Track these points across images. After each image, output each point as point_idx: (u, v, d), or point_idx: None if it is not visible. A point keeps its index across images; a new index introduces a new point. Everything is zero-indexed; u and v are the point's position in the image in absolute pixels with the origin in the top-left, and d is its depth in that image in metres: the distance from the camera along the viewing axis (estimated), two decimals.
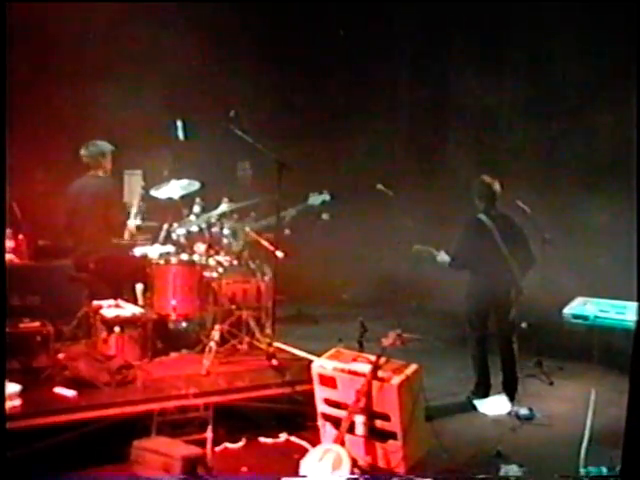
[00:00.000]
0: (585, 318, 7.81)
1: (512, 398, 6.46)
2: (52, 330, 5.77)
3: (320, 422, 5.43)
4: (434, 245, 6.67)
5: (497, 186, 6.61)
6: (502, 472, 5.02)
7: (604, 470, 4.86)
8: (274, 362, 6.14)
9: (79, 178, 6.87)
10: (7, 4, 4.51)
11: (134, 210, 6.90)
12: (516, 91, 9.18)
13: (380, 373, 5.10)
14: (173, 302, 6.59)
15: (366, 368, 5.14)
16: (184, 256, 6.78)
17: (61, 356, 5.82)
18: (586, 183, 8.79)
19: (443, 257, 6.55)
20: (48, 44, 8.61)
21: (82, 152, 6.82)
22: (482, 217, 6.54)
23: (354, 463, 4.86)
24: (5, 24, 4.53)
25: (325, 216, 9.78)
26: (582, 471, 4.96)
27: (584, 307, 8.04)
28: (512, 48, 9.45)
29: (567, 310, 8.02)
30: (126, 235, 6.83)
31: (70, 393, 5.31)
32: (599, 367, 7.15)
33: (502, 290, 6.49)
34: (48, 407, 5.11)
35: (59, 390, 5.36)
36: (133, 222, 6.90)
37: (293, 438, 5.54)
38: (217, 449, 5.25)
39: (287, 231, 7.46)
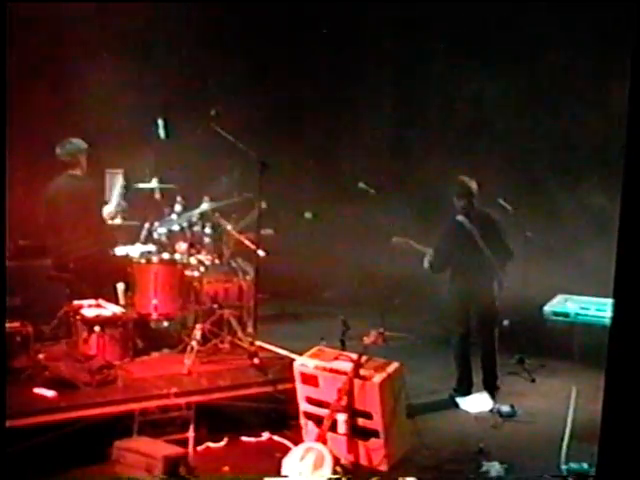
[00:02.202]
0: (566, 315, 7.88)
1: (494, 395, 6.49)
2: (32, 330, 5.74)
3: (302, 421, 5.43)
4: (413, 238, 6.70)
5: (474, 185, 6.63)
6: (484, 469, 5.05)
7: (585, 466, 4.89)
8: (256, 361, 6.12)
9: (57, 177, 6.79)
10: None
11: (115, 195, 6.85)
12: (498, 89, 9.19)
13: (362, 371, 5.11)
14: (154, 301, 6.55)
15: (348, 366, 5.14)
16: (165, 255, 6.75)
17: (41, 356, 5.76)
18: (567, 181, 8.84)
19: (425, 264, 6.60)
20: (26, 41, 8.52)
21: (58, 151, 6.67)
22: (460, 218, 6.54)
23: (336, 461, 4.88)
24: (5, 24, 4.49)
25: (308, 215, 9.79)
26: (563, 467, 4.99)
27: (565, 304, 8.10)
28: (494, 46, 9.45)
29: (548, 307, 8.09)
30: (105, 214, 6.77)
31: (50, 393, 5.26)
32: (580, 364, 7.20)
33: (483, 288, 6.51)
34: (28, 408, 5.05)
35: (39, 390, 5.31)
36: (111, 207, 6.84)
37: (275, 437, 5.54)
38: (199, 448, 5.25)
39: (269, 230, 7.43)
